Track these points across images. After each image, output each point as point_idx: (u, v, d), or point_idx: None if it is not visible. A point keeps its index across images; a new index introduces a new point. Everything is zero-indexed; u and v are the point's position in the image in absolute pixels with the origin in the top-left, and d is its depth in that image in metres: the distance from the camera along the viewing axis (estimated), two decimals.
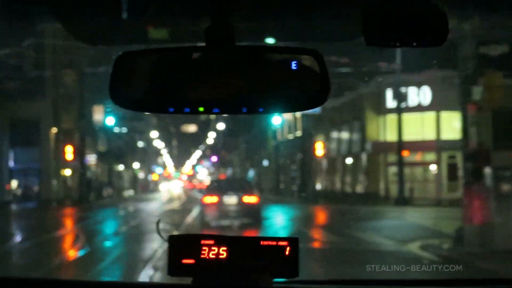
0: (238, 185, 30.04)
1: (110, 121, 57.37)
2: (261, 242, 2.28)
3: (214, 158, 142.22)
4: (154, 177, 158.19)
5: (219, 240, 2.30)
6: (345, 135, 60.83)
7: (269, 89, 2.16)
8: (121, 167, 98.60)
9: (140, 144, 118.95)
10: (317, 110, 53.04)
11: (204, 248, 2.30)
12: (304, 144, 73.55)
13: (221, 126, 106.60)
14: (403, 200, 47.61)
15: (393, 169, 54.94)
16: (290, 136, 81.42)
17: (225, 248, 2.29)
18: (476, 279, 3.24)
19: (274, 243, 2.25)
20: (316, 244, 21.33)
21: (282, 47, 2.22)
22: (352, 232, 25.05)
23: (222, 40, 2.19)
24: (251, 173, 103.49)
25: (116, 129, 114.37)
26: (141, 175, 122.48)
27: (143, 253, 18.57)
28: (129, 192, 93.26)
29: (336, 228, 27.54)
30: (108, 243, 20.65)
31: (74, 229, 25.92)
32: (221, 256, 2.27)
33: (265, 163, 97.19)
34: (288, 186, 72.06)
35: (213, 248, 2.29)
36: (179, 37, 2.85)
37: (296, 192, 60.00)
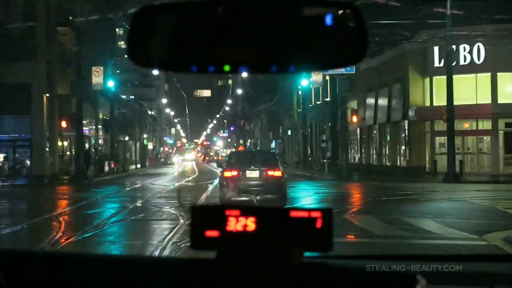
0: (261, 158, 29.44)
1: (111, 84, 53.83)
2: (291, 213, 2.16)
3: (232, 128, 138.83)
4: (166, 149, 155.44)
5: (246, 211, 2.18)
6: (383, 100, 57.02)
7: (301, 45, 2.07)
8: (127, 138, 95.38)
9: (150, 112, 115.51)
10: (350, 70, 49.39)
11: (229, 219, 2.18)
12: (336, 111, 69.91)
13: (239, 91, 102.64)
14: (454, 176, 43.85)
15: (440, 139, 51.26)
16: (319, 102, 77.78)
17: (252, 220, 2.17)
18: None
19: (305, 214, 2.15)
20: (358, 236, 17.49)
21: (316, 0, 2.15)
22: (403, 217, 21.45)
23: None
24: (273, 145, 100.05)
25: (122, 96, 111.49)
26: (151, 147, 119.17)
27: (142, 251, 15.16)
28: (137, 166, 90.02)
29: (381, 211, 23.83)
30: (95, 238, 17.18)
31: (55, 216, 22.41)
32: (248, 228, 2.16)
33: (289, 132, 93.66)
34: (318, 159, 68.43)
35: (239, 219, 2.17)
36: None
37: (327, 166, 56.35)
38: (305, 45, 2.09)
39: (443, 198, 30.92)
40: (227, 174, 27.12)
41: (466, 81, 49.01)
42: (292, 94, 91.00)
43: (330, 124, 69.98)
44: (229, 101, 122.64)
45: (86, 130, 68.37)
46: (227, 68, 2.09)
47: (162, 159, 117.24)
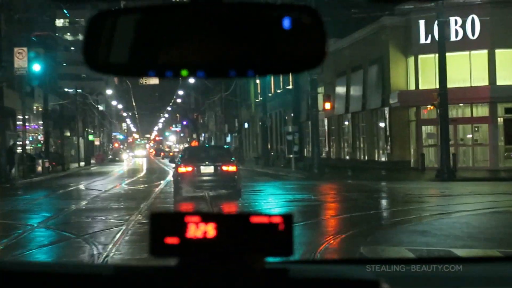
0: (215, 154, 29.06)
1: (37, 68, 44.92)
2: (252, 219, 2.15)
3: (185, 122, 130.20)
4: (116, 145, 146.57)
5: (206, 217, 2.17)
6: (357, 85, 48.84)
7: (259, 50, 2.08)
8: (70, 134, 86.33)
9: (98, 107, 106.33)
10: None
11: (189, 225, 2.16)
12: (300, 98, 61.86)
13: (192, 81, 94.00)
14: (448, 172, 35.86)
15: (427, 129, 43.27)
16: (279, 90, 69.55)
17: (212, 226, 2.16)
18: None
19: (266, 220, 2.15)
20: None
21: (273, 4, 2.14)
22: (407, 240, 14.60)
23: None
24: (229, 139, 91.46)
25: (66, 89, 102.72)
26: (98, 142, 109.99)
27: None
28: (81, 164, 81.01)
29: (374, 230, 16.27)
30: None
31: None
32: (208, 235, 2.16)
33: (246, 125, 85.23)
34: (281, 153, 60.11)
35: (199, 225, 2.16)
36: None
37: (294, 161, 47.99)
38: (263, 49, 2.06)
39: (446, 202, 23.04)
40: (181, 170, 26.65)
41: (458, 60, 41.13)
42: (249, 83, 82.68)
43: (292, 114, 61.87)
44: (180, 92, 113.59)
45: (27, 126, 60.02)
46: (184, 73, 2.07)
47: (110, 156, 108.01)
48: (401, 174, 39.34)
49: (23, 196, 31.65)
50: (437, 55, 39.16)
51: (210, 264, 2.14)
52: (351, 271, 2.49)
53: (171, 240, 2.12)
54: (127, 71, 2.14)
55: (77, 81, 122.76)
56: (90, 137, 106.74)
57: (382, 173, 40.35)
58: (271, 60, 2.08)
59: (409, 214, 19.79)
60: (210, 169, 26.58)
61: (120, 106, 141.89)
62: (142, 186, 36.42)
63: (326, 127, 56.59)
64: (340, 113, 51.80)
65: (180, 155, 30.60)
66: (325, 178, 38.88)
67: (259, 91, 79.50)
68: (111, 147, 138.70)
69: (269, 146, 66.12)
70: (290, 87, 65.74)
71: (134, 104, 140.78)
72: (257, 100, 79.46)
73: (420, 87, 42.60)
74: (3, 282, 2.25)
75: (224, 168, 26.69)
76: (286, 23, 2.05)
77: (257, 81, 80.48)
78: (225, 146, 47.66)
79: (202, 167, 26.58)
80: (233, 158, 28.85)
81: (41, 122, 78.72)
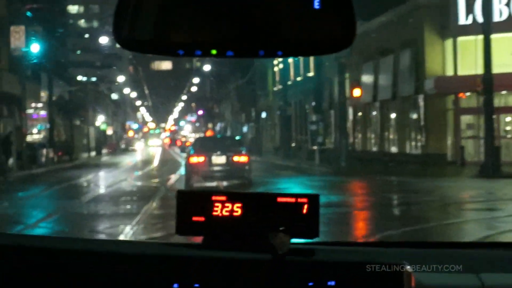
0: (226, 144, 29.17)
1: (35, 49, 40.60)
2: (278, 199, 2.19)
3: (200, 112, 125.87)
4: (130, 134, 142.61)
5: (232, 197, 2.22)
6: (387, 71, 44.34)
7: (287, 30, 2.02)
8: (80, 122, 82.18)
9: (112, 95, 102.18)
10: None
11: (216, 205, 2.20)
12: (321, 87, 57.45)
13: (207, 68, 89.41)
14: (494, 168, 31.50)
15: (466, 119, 38.83)
16: (299, 78, 65.12)
17: (238, 205, 2.20)
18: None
19: (292, 200, 2.18)
20: None
21: None
22: None
23: None
24: (245, 129, 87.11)
25: (78, 77, 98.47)
26: (110, 132, 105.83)
27: None
28: (91, 154, 76.85)
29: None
30: None
31: None
32: (234, 214, 2.19)
33: (264, 115, 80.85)
34: (303, 144, 55.60)
35: (225, 205, 2.20)
36: None
37: (318, 154, 43.58)
38: (292, 29, 2.01)
39: None
40: (193, 160, 26.77)
41: (502, 43, 36.56)
42: (266, 70, 78.37)
43: (314, 103, 57.47)
44: (195, 80, 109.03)
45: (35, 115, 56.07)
46: (214, 51, 2.05)
47: (123, 146, 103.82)
48: (439, 169, 34.97)
49: (9, 193, 27.47)
50: (478, 37, 34.84)
51: (235, 243, 2.12)
52: (376, 254, 2.52)
53: (198, 219, 2.12)
54: (156, 48, 2.08)
55: (90, 68, 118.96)
56: (103, 126, 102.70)
57: (417, 168, 35.92)
58: (299, 40, 2.01)
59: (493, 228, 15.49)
60: (221, 159, 26.66)
61: (134, 95, 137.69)
62: (152, 180, 32.15)
63: (351, 117, 52.09)
64: (367, 101, 47.28)
65: (191, 146, 30.47)
66: (354, 173, 34.53)
67: (277, 79, 75.14)
68: (125, 136, 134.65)
69: (293, 136, 61.79)
70: (311, 74, 61.31)
71: (146, 92, 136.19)
72: (275, 89, 75.10)
73: (459, 73, 38.08)
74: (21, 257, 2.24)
75: (236, 158, 26.73)
76: (315, 2, 1.99)
77: (275, 68, 76.12)
78: (236, 137, 45.99)
79: (213, 157, 26.67)
80: (244, 148, 28.94)
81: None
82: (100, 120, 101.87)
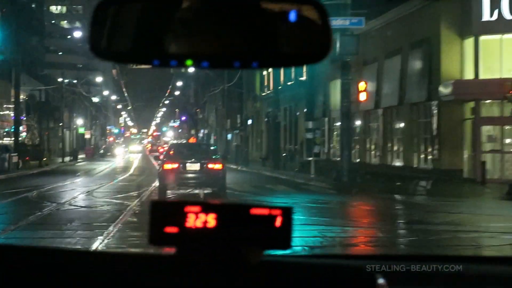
0: (200, 151, 28.93)
1: None
2: (252, 211, 2.15)
3: (183, 118, 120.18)
4: (111, 139, 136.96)
5: (206, 207, 2.17)
6: (393, 73, 38.88)
7: (263, 41, 2.06)
8: (56, 126, 76.35)
9: (85, 95, 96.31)
10: (358, 24, 31.87)
11: (189, 215, 2.16)
12: (314, 93, 51.95)
13: (191, 71, 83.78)
14: None
15: (487, 130, 33.42)
16: (290, 83, 59.48)
17: (212, 216, 2.16)
18: None
19: (266, 212, 2.14)
20: None
21: None
22: None
23: None
24: (230, 136, 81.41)
25: (59, 79, 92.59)
26: (88, 136, 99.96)
27: None
28: (64, 159, 71.01)
29: None
30: None
31: None
32: (208, 225, 2.15)
33: (250, 121, 75.18)
34: (294, 154, 49.84)
35: (199, 215, 2.15)
36: None
37: (314, 165, 37.98)
38: (268, 41, 2.04)
39: None
40: (167, 166, 26.29)
41: None
42: (254, 75, 72.76)
43: (306, 109, 51.95)
44: (179, 83, 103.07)
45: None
46: (189, 62, 2.04)
47: (102, 151, 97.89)
48: (456, 187, 29.63)
49: None
50: (505, 36, 29.64)
51: (208, 254, 2.12)
52: (348, 266, 2.48)
53: (171, 229, 2.10)
54: (131, 58, 2.08)
55: (72, 70, 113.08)
56: (80, 130, 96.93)
57: (430, 185, 30.43)
58: (275, 52, 2.03)
59: None
60: (196, 166, 26.15)
61: (115, 98, 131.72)
62: (119, 195, 26.47)
63: (358, 125, 46.55)
64: (367, 108, 41.84)
65: (165, 152, 29.40)
66: (360, 191, 28.97)
67: (265, 84, 69.59)
68: (106, 141, 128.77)
69: (282, 145, 56.20)
70: (304, 78, 55.78)
71: (126, 94, 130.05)
72: (263, 94, 69.48)
73: (481, 76, 32.61)
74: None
75: (210, 166, 26.15)
76: (292, 15, 2.00)
77: (264, 72, 70.55)
78: (212, 147, 44.11)
79: (187, 164, 26.14)
80: (218, 156, 28.45)
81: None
82: (78, 123, 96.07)
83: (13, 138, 65.78)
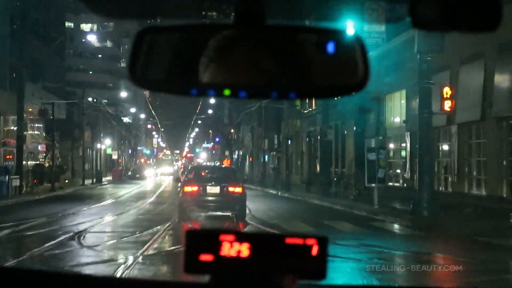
0: (221, 174, 28.29)
1: None
2: (287, 240, 2.12)
3: (217, 139, 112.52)
4: (142, 160, 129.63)
5: (241, 236, 2.15)
6: (472, 81, 30.77)
7: (301, 72, 2.03)
8: (77, 145, 68.89)
9: (112, 113, 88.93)
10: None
11: (223, 244, 2.14)
12: (369, 107, 44.01)
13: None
14: None
15: None
16: (337, 98, 51.56)
17: (247, 245, 2.13)
18: None
19: (301, 241, 2.12)
20: None
21: (318, 29, 2.09)
22: None
23: (252, 18, 2.09)
24: (266, 159, 73.45)
25: (90, 99, 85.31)
26: (115, 156, 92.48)
27: None
28: (85, 182, 63.49)
29: None
30: None
31: None
32: (242, 254, 2.13)
33: (289, 142, 67.21)
34: (341, 179, 41.38)
35: (233, 244, 2.13)
36: (204, 14, 2.39)
37: (376, 194, 29.82)
38: (305, 72, 2.01)
39: None
40: (187, 189, 25.71)
41: None
42: None
43: (355, 127, 44.11)
44: (211, 101, 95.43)
45: None
46: (227, 92, 2.03)
47: (130, 173, 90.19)
48: None
49: None
50: None
51: (242, 283, 2.09)
52: None
53: (206, 257, 2.09)
54: (169, 88, 2.08)
55: (101, 90, 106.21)
56: (108, 151, 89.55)
57: None
58: (312, 83, 2.01)
59: None
60: (216, 189, 25.53)
61: (143, 116, 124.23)
62: (120, 240, 18.59)
63: (409, 144, 38.46)
64: (436, 124, 33.68)
65: (186, 175, 29.11)
66: (450, 231, 20.85)
67: (307, 100, 61.66)
68: (137, 162, 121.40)
69: (333, 167, 48.08)
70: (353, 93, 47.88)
71: (153, 113, 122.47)
72: (305, 111, 61.52)
73: None
74: None
75: (231, 189, 25.52)
76: (330, 47, 1.99)
77: None
78: (231, 167, 44.89)
79: (208, 187, 25.57)
80: (239, 179, 28.08)
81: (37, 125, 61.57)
82: (106, 143, 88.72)
83: (37, 159, 58.91)
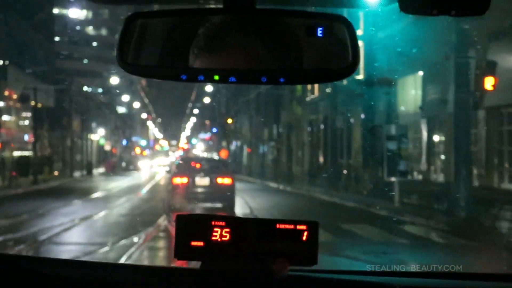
0: (210, 165, 27.16)
1: None
2: (278, 225, 2.12)
3: (215, 130, 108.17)
4: (137, 151, 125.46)
5: (232, 222, 2.12)
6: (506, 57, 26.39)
7: (291, 57, 2.00)
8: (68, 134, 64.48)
9: (103, 102, 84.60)
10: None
11: (215, 229, 2.11)
12: (376, 91, 39.85)
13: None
14: None
15: None
16: (345, 82, 47.08)
17: (238, 231, 2.12)
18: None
19: (291, 226, 2.12)
20: None
21: (307, 12, 2.04)
22: None
23: (242, 2, 2.04)
24: (265, 149, 69.02)
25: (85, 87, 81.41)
26: (108, 147, 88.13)
27: None
28: (77, 174, 59.28)
29: None
30: None
31: None
32: (234, 239, 2.11)
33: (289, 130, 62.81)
34: (354, 171, 36.79)
35: (225, 230, 2.11)
36: None
37: (397, 190, 25.40)
38: (295, 56, 1.96)
39: None
40: (176, 181, 24.99)
41: None
42: None
43: (363, 114, 40.08)
44: (208, 89, 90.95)
45: None
46: (216, 77, 1.97)
47: (124, 164, 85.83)
48: None
49: None
50: None
51: (234, 268, 2.02)
52: (377, 283, 2.37)
53: (197, 243, 2.02)
54: (159, 73, 2.00)
55: (97, 78, 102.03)
56: (101, 141, 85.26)
57: None
58: (302, 68, 1.94)
59: None
60: (205, 180, 24.84)
61: (140, 109, 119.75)
62: (86, 254, 14.32)
63: (426, 132, 34.13)
64: (490, 104, 29.31)
65: (175, 166, 28.17)
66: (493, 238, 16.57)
67: (308, 88, 57.19)
68: (132, 153, 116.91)
69: (343, 158, 43.67)
70: (361, 76, 43.50)
71: (145, 101, 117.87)
72: (307, 99, 57.05)
73: None
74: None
75: (220, 180, 24.88)
76: (319, 31, 1.92)
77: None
78: (221, 158, 43.04)
79: (197, 179, 24.83)
80: (228, 170, 27.28)
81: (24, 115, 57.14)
82: (99, 133, 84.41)
83: (27, 150, 54.67)
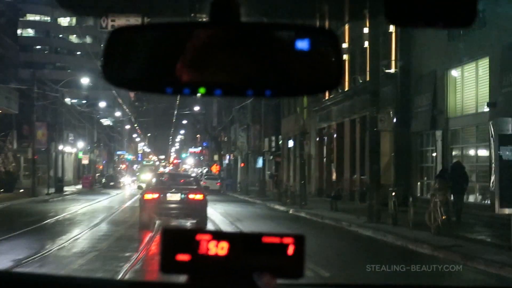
0: (182, 181, 27.28)
1: None
2: (264, 239, 2.08)
3: (204, 143, 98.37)
4: (124, 166, 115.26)
5: (218, 235, 2.09)
6: None
7: (277, 70, 1.99)
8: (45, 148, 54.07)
9: (78, 108, 74.24)
10: None
11: (201, 243, 2.08)
12: (415, 90, 29.92)
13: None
14: None
15: None
16: (361, 80, 37.00)
17: (224, 244, 2.07)
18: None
19: (278, 240, 2.07)
20: None
21: (293, 25, 2.04)
22: None
23: (227, 16, 2.03)
24: (260, 163, 58.95)
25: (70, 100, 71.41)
26: (86, 161, 77.65)
27: None
28: (41, 192, 48.88)
29: None
30: None
31: None
32: (219, 253, 2.07)
33: (290, 144, 52.60)
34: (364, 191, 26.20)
35: (211, 243, 2.07)
36: (180, 12, 2.69)
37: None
38: (280, 69, 1.96)
39: None
40: (148, 196, 24.54)
41: None
42: None
43: (395, 118, 30.43)
44: (195, 98, 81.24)
45: None
46: (202, 90, 1.98)
47: (104, 180, 75.48)
48: None
49: None
50: None
51: (220, 282, 2.04)
52: None
53: (183, 257, 2.03)
54: (144, 86, 2.01)
55: (76, 88, 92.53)
56: (80, 155, 74.96)
57: None
58: (287, 80, 1.95)
59: None
60: (176, 196, 24.43)
61: (127, 124, 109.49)
62: None
63: (496, 140, 24.00)
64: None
65: (154, 179, 27.67)
66: None
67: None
68: (118, 168, 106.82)
69: (353, 175, 33.46)
70: (392, 71, 33.37)
71: (127, 110, 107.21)
72: (315, 108, 46.77)
73: None
74: None
75: (191, 196, 24.44)
76: (304, 44, 1.93)
77: None
78: (192, 174, 42.82)
79: (168, 195, 24.37)
80: (199, 186, 27.04)
81: None
82: (78, 146, 74.16)
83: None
